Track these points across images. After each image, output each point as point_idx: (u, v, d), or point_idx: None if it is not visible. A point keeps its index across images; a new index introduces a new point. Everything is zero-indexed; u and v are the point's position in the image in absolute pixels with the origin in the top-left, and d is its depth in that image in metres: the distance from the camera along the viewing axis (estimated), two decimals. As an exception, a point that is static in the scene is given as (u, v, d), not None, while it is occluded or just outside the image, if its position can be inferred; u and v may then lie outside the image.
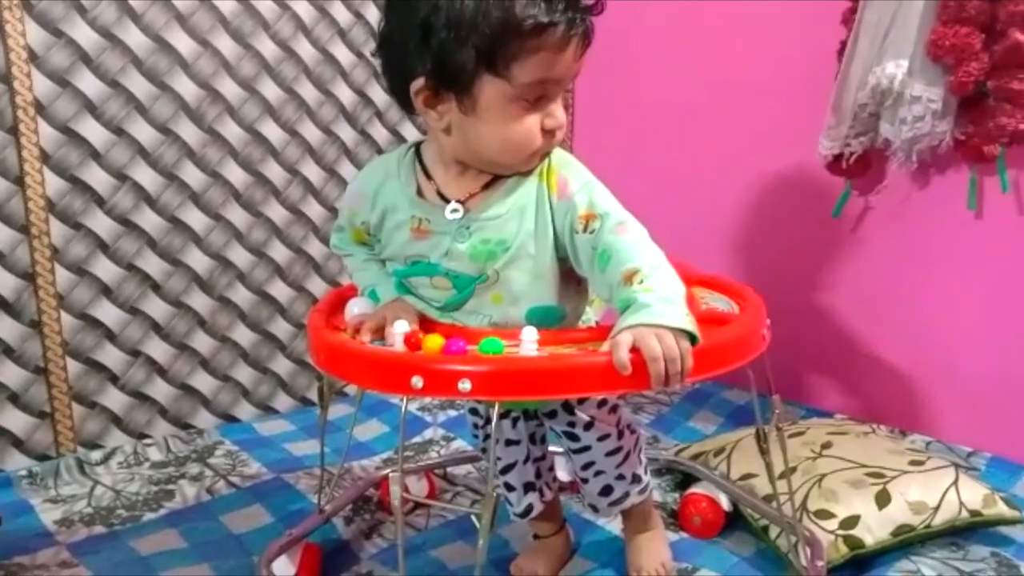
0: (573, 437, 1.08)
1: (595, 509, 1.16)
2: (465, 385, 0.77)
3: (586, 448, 1.09)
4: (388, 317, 0.91)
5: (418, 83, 0.85)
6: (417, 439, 1.63)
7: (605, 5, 0.87)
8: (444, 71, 0.83)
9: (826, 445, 1.32)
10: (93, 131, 1.45)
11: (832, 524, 1.16)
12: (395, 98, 0.91)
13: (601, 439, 1.08)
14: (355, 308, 0.98)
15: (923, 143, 1.42)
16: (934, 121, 1.39)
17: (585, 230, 0.88)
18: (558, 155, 0.93)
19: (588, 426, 1.07)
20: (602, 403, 1.07)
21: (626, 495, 1.13)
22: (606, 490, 1.12)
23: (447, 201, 0.91)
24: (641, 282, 0.82)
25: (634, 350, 0.77)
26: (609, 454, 1.09)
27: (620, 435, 1.09)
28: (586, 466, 1.11)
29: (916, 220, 1.57)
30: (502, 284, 0.91)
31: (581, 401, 1.06)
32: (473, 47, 0.81)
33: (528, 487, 1.14)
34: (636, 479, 1.13)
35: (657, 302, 0.80)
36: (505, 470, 1.13)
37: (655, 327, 0.78)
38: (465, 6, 0.80)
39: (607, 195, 0.90)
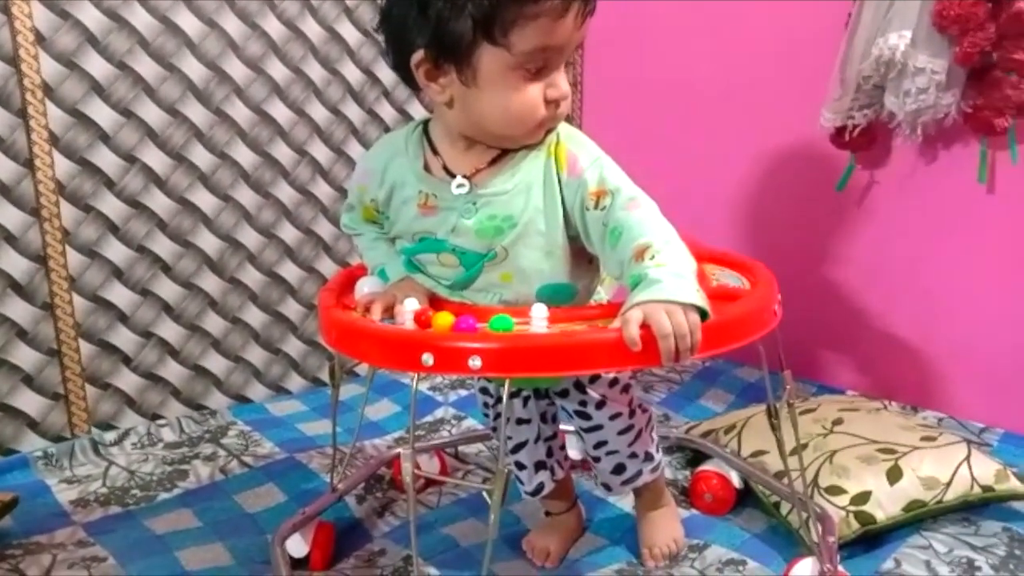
0: (585, 416, 1.08)
1: (607, 488, 1.16)
2: (475, 362, 0.77)
3: (598, 427, 1.09)
4: (398, 296, 0.90)
5: (418, 55, 0.84)
6: (428, 418, 1.64)
7: None
8: (442, 42, 0.82)
9: (837, 421, 1.32)
10: (101, 113, 1.45)
11: (843, 500, 1.16)
12: (399, 74, 0.90)
13: (613, 418, 1.08)
14: (365, 287, 0.98)
15: (927, 115, 1.40)
16: (938, 93, 1.37)
17: (596, 207, 0.87)
18: (566, 130, 0.92)
19: (600, 405, 1.07)
20: (614, 382, 1.07)
21: (638, 473, 1.13)
22: (618, 469, 1.12)
23: (454, 177, 0.91)
24: (652, 258, 0.81)
25: (644, 326, 0.77)
26: (621, 433, 1.09)
27: (632, 414, 1.09)
28: (598, 445, 1.11)
29: (924, 194, 1.55)
30: (511, 261, 0.91)
31: (593, 380, 1.06)
32: (470, 16, 0.79)
33: (539, 466, 1.14)
34: (648, 457, 1.13)
35: (668, 277, 0.79)
36: (516, 449, 1.13)
37: (665, 303, 0.77)
38: None
39: (617, 171, 0.89)
